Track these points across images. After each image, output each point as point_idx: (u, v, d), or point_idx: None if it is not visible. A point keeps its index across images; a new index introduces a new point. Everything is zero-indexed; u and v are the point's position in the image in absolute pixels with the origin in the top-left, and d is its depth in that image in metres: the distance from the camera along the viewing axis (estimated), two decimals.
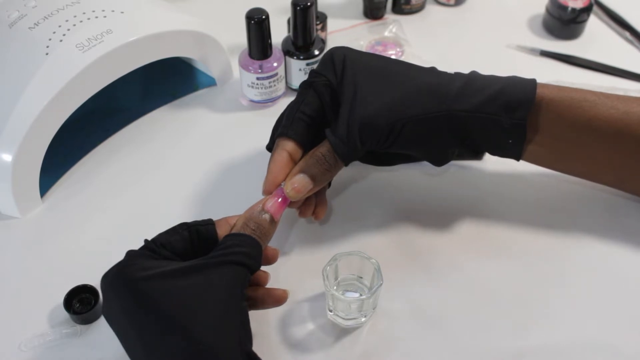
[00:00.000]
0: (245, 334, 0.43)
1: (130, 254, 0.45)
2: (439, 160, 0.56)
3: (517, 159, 0.56)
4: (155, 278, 0.42)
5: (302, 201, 0.54)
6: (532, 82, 0.53)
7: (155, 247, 0.45)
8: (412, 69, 0.54)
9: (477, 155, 0.61)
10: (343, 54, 0.53)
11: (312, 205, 0.55)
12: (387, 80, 0.52)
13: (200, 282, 0.42)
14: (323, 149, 0.51)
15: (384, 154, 0.58)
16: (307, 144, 0.52)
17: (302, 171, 0.50)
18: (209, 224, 0.47)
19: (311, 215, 0.55)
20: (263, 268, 0.48)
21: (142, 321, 0.41)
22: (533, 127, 0.53)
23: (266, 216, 0.47)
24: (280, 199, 0.49)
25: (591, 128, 0.53)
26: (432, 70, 0.54)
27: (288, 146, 0.51)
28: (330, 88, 0.53)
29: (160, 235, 0.46)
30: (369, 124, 0.50)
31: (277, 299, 0.48)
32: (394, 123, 0.50)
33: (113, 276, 0.43)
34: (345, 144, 0.50)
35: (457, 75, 0.53)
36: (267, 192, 0.50)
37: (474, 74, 0.54)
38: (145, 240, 0.46)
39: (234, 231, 0.46)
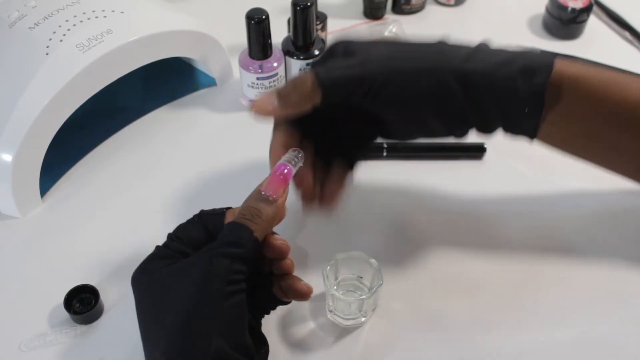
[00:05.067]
0: (225, 328, 0.41)
1: (154, 252, 0.45)
2: (452, 127, 0.51)
3: (532, 137, 0.51)
4: (148, 272, 0.44)
5: (307, 185, 0.51)
6: (552, 53, 0.49)
7: (169, 241, 0.45)
8: (422, 45, 0.50)
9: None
10: (344, 46, 0.50)
11: (313, 194, 0.52)
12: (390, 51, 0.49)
13: (177, 279, 0.42)
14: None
15: (401, 124, 0.52)
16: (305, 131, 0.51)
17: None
18: (217, 214, 0.46)
19: (320, 206, 0.51)
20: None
21: (137, 311, 0.43)
22: (552, 103, 0.48)
23: (261, 196, 0.44)
24: (277, 176, 0.45)
25: (617, 113, 0.49)
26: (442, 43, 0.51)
27: (283, 129, 0.50)
28: None
29: (180, 225, 0.46)
30: (360, 64, 0.47)
31: (300, 292, 0.47)
32: (389, 70, 0.47)
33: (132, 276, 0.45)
34: (328, 70, 0.47)
35: (467, 45, 0.50)
36: None
37: (484, 43, 0.50)
38: (168, 234, 0.46)
39: (230, 219, 0.45)
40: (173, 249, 0.44)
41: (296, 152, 0.48)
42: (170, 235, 0.46)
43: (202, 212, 0.47)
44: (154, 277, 0.43)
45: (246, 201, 0.45)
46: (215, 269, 0.41)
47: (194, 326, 0.40)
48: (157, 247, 0.45)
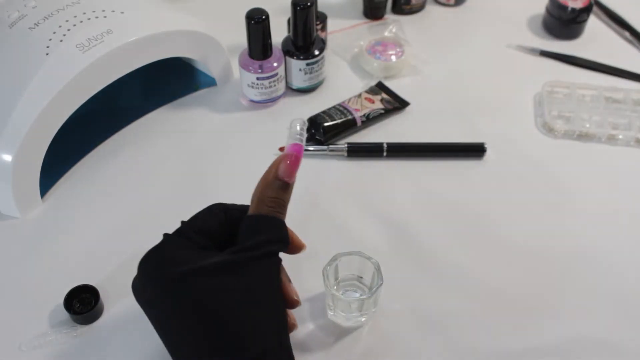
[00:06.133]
0: (283, 324, 0.43)
1: (167, 239, 0.43)
2: None
3: None
4: (196, 275, 0.40)
5: None
6: None
7: (192, 234, 0.43)
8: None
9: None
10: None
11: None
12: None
13: (245, 281, 0.40)
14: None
15: None
16: None
17: None
18: (243, 210, 0.44)
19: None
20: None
21: (186, 321, 0.40)
22: None
23: (279, 184, 0.43)
24: (290, 161, 0.43)
25: None
26: None
27: None
28: None
29: (196, 218, 0.44)
30: None
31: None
32: None
33: (152, 269, 0.41)
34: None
35: None
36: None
37: None
38: (182, 222, 0.44)
39: (252, 210, 0.43)
40: (195, 241, 0.43)
41: (300, 122, 0.45)
42: (190, 226, 0.43)
43: (224, 205, 0.45)
44: (210, 284, 0.40)
45: (264, 190, 0.43)
46: (274, 268, 0.42)
47: (258, 327, 0.40)
48: (176, 240, 0.43)
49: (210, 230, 0.44)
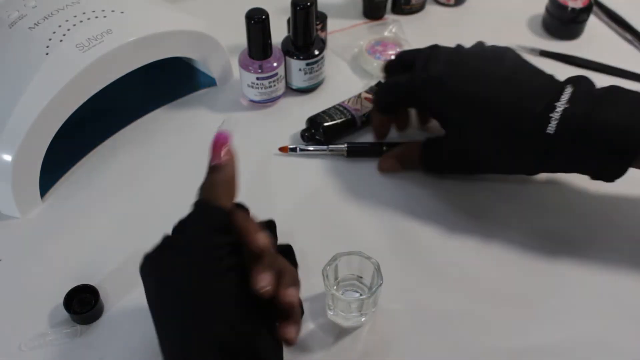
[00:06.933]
0: (223, 313, 0.40)
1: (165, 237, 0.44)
2: (517, 167, 0.57)
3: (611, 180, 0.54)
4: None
5: None
6: None
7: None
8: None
9: None
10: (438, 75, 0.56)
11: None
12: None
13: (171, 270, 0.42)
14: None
15: (469, 159, 0.59)
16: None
17: None
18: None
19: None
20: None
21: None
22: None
23: (211, 170, 0.47)
24: (214, 145, 0.48)
25: None
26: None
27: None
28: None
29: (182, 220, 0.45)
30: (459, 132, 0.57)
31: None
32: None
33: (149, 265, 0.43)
34: (431, 157, 0.63)
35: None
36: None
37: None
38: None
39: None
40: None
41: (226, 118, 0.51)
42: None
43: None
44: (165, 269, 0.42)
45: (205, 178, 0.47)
46: (202, 249, 0.41)
47: (193, 316, 0.40)
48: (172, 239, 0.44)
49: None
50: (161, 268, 0.42)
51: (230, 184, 0.47)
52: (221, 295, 0.40)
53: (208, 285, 0.40)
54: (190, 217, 0.43)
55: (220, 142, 0.48)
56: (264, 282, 0.41)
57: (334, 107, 0.68)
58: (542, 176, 0.64)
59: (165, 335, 0.41)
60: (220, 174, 0.46)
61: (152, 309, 0.42)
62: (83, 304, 0.53)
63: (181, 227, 0.43)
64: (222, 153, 0.47)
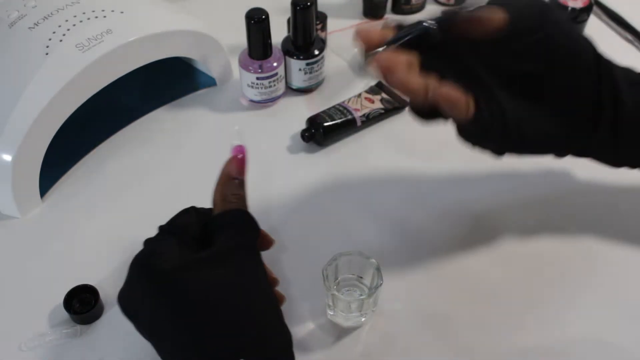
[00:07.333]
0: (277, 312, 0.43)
1: (149, 240, 0.44)
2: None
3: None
4: (184, 270, 0.40)
5: None
6: None
7: (178, 232, 0.44)
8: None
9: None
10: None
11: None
12: None
13: (231, 272, 0.41)
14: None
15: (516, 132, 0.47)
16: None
17: None
18: (210, 213, 0.47)
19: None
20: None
21: (177, 316, 0.40)
22: None
23: (237, 182, 0.47)
24: (239, 160, 0.48)
25: None
26: None
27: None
28: None
29: (174, 219, 0.46)
30: None
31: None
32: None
33: (141, 268, 0.42)
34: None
35: None
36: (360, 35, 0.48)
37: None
38: (160, 227, 0.45)
39: (219, 209, 0.46)
40: (180, 238, 0.44)
41: (237, 127, 0.50)
42: (174, 226, 0.45)
43: (195, 208, 0.47)
44: (189, 275, 0.40)
45: (225, 189, 0.47)
46: (256, 257, 0.43)
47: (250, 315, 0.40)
48: (161, 239, 0.44)
49: (189, 230, 0.45)
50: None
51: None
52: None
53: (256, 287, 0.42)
54: (238, 226, 0.44)
55: (244, 157, 0.48)
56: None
57: (334, 107, 0.68)
58: (542, 176, 0.63)
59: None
60: (245, 189, 0.47)
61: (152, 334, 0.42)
62: (83, 304, 0.53)
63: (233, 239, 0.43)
64: (246, 171, 0.48)
